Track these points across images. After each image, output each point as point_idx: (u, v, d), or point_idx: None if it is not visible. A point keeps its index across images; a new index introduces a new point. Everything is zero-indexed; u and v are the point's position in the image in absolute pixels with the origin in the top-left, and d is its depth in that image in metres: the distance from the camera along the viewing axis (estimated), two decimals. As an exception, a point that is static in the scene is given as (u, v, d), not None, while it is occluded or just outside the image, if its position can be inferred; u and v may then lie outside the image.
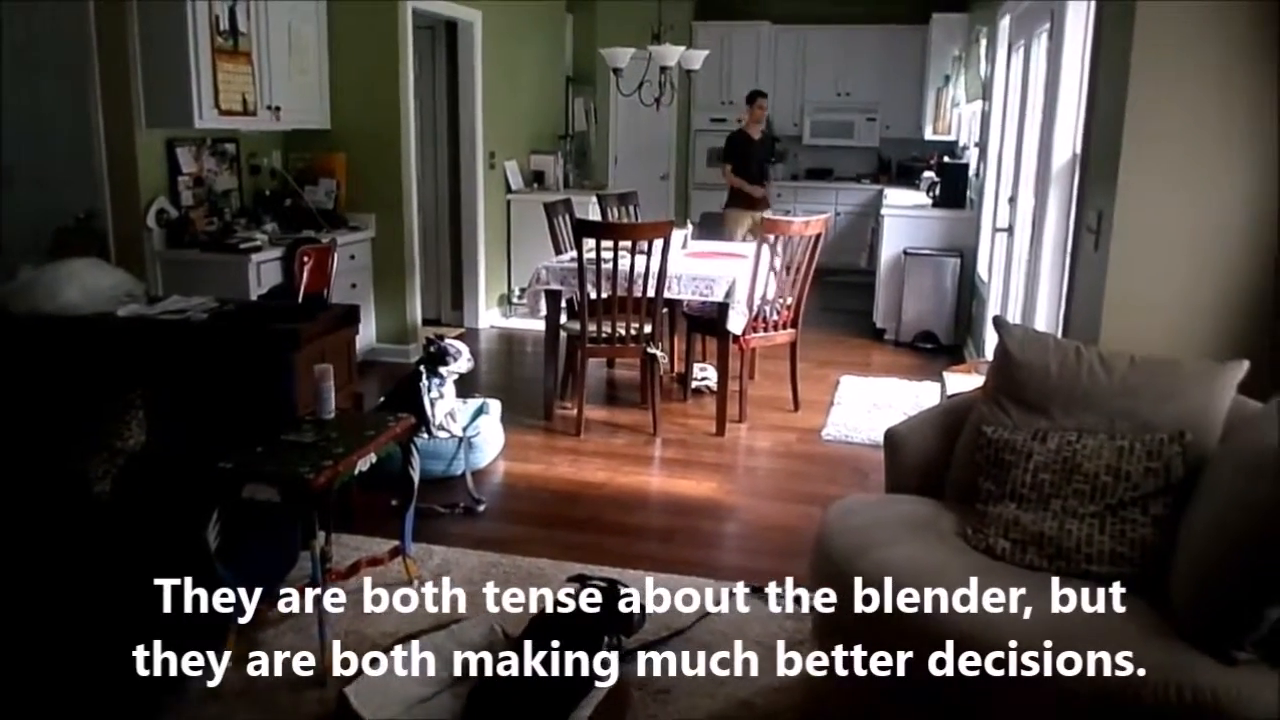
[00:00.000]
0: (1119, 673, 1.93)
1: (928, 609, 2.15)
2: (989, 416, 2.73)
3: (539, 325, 7.13)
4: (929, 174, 8.22)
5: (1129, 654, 1.96)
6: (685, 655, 2.90)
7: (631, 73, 5.77)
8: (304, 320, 3.54)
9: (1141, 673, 1.93)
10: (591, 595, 2.68)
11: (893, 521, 2.55)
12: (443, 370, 4.42)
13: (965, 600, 2.15)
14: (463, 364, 4.44)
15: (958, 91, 7.62)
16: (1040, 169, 4.14)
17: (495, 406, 4.68)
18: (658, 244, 4.57)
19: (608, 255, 4.58)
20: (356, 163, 5.98)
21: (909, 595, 2.19)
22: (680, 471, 4.47)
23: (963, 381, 3.98)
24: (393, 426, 3.08)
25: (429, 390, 4.39)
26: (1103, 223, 3.02)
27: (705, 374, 5.71)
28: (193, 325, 3.39)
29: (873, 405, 5.46)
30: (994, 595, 2.17)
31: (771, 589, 3.27)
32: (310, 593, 2.82)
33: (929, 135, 9.00)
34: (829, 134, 10.03)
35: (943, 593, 2.18)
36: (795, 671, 2.82)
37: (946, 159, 7.69)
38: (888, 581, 2.23)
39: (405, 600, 3.14)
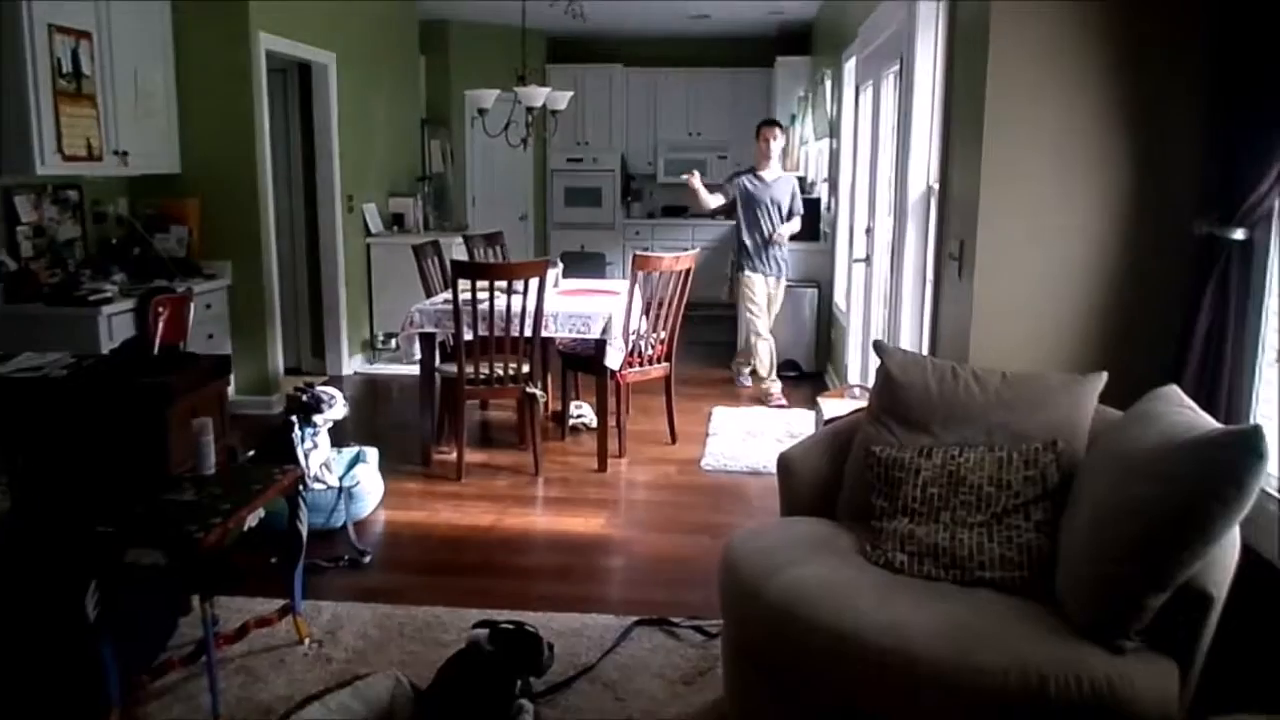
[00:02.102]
0: (1023, 672, 2.04)
1: (840, 625, 2.22)
2: (875, 436, 2.85)
3: (406, 370, 7.05)
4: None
5: (1030, 653, 2.08)
6: (593, 693, 2.90)
7: (495, 114, 5.79)
8: (173, 373, 3.37)
9: (1043, 669, 2.05)
10: (499, 639, 2.63)
11: (795, 543, 2.62)
12: (316, 419, 4.28)
13: (873, 613, 2.24)
14: (338, 410, 4.30)
15: (805, 130, 7.96)
16: (897, 202, 4.37)
17: (372, 454, 4.56)
18: (534, 283, 4.58)
19: (483, 296, 4.55)
20: (210, 208, 5.74)
21: (820, 612, 2.26)
22: (566, 510, 4.46)
23: (837, 406, 4.14)
24: (279, 479, 2.96)
25: (302, 441, 4.23)
26: (964, 251, 3.22)
27: (581, 411, 5.73)
28: (52, 383, 3.17)
29: (746, 434, 5.59)
30: (899, 607, 2.27)
31: (677, 620, 3.29)
32: (198, 661, 2.68)
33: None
34: (682, 172, 10.24)
35: (852, 607, 2.26)
36: (707, 698, 2.87)
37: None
38: (798, 602, 2.30)
39: (299, 661, 3.04)
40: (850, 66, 6.30)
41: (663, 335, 5.24)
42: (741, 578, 2.49)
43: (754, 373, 6.49)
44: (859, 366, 5.56)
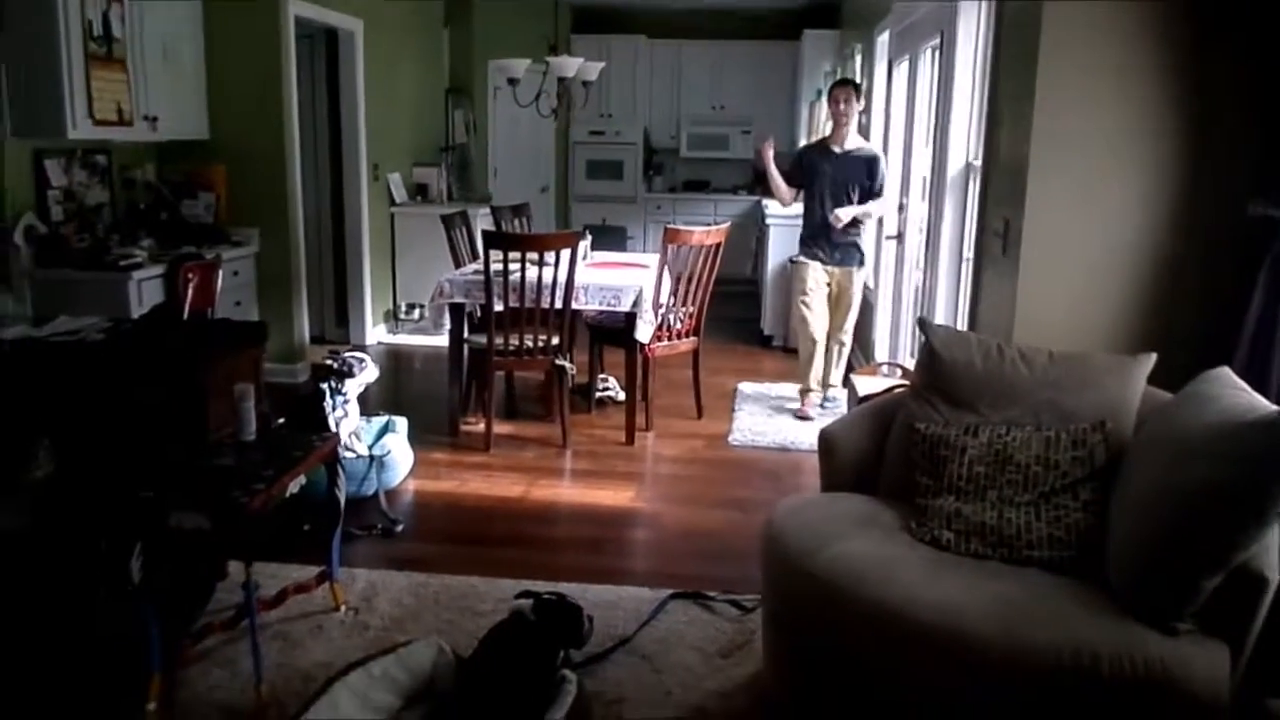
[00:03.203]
0: (1076, 652, 2.03)
1: (889, 600, 2.21)
2: (920, 414, 2.82)
3: (429, 340, 7.08)
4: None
5: (1082, 633, 2.07)
6: (631, 664, 2.91)
7: (524, 84, 5.73)
8: (209, 338, 3.36)
9: (1096, 649, 2.03)
10: (542, 610, 2.63)
11: (839, 518, 2.60)
12: (347, 386, 4.27)
13: (923, 590, 2.23)
14: (369, 373, 4.30)
15: (833, 105, 7.86)
16: (935, 179, 4.33)
17: (402, 424, 4.55)
18: (565, 254, 4.56)
19: (514, 267, 4.53)
20: (237, 175, 5.72)
21: (869, 587, 2.25)
22: (595, 482, 4.46)
23: (871, 383, 4.11)
24: (319, 446, 2.96)
25: (333, 409, 4.23)
26: (1009, 229, 3.18)
27: (607, 385, 5.72)
28: (90, 347, 3.16)
29: (771, 409, 5.57)
30: (948, 585, 2.25)
31: (712, 594, 3.29)
32: (238, 626, 2.68)
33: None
34: (705, 146, 10.21)
35: (901, 583, 2.25)
36: (745, 671, 2.87)
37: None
38: (847, 577, 2.29)
39: (336, 627, 3.05)
40: (883, 41, 6.21)
41: (691, 309, 5.21)
42: (787, 551, 2.48)
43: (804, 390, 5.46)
44: (888, 344, 5.53)
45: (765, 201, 8.83)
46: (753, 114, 10.06)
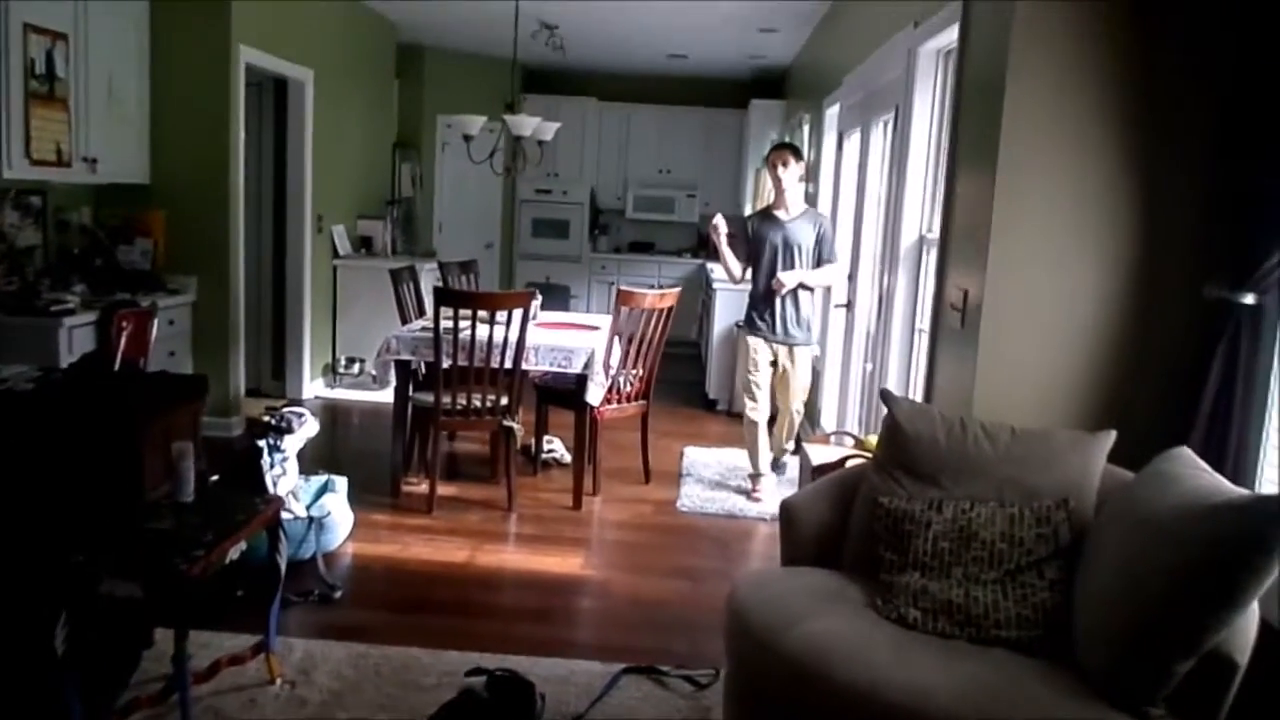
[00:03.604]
0: (1051, 737, 1.99)
1: (858, 681, 2.15)
2: (882, 487, 2.80)
3: (368, 396, 6.92)
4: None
5: (1057, 716, 2.03)
6: (584, 743, 2.79)
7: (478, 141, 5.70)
8: (146, 391, 3.21)
9: (1071, 736, 2.00)
10: (495, 688, 2.51)
11: (804, 594, 2.55)
12: (285, 443, 4.12)
13: (892, 671, 2.17)
14: (309, 427, 4.15)
15: (780, 173, 7.97)
16: (888, 250, 4.37)
17: (341, 483, 4.39)
18: (517, 314, 4.49)
19: (464, 325, 4.45)
20: (177, 221, 5.56)
21: (838, 668, 2.19)
22: (542, 548, 4.34)
23: (824, 452, 4.08)
24: (263, 510, 2.82)
25: (271, 466, 4.07)
26: (968, 301, 3.21)
27: (552, 446, 5.62)
28: (18, 397, 2.99)
29: (721, 475, 5.53)
30: (918, 666, 2.20)
31: (665, 669, 3.19)
32: (167, 700, 2.51)
33: (748, 213, 9.36)
34: (651, 209, 10.29)
35: (870, 664, 2.20)
36: (702, 754, 2.77)
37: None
38: (817, 657, 2.23)
39: (272, 702, 2.88)
40: (833, 113, 6.34)
41: (641, 372, 5.16)
42: (753, 629, 2.41)
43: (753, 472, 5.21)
44: (835, 413, 5.54)
45: (710, 266, 8.90)
46: (699, 179, 10.18)
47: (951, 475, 2.74)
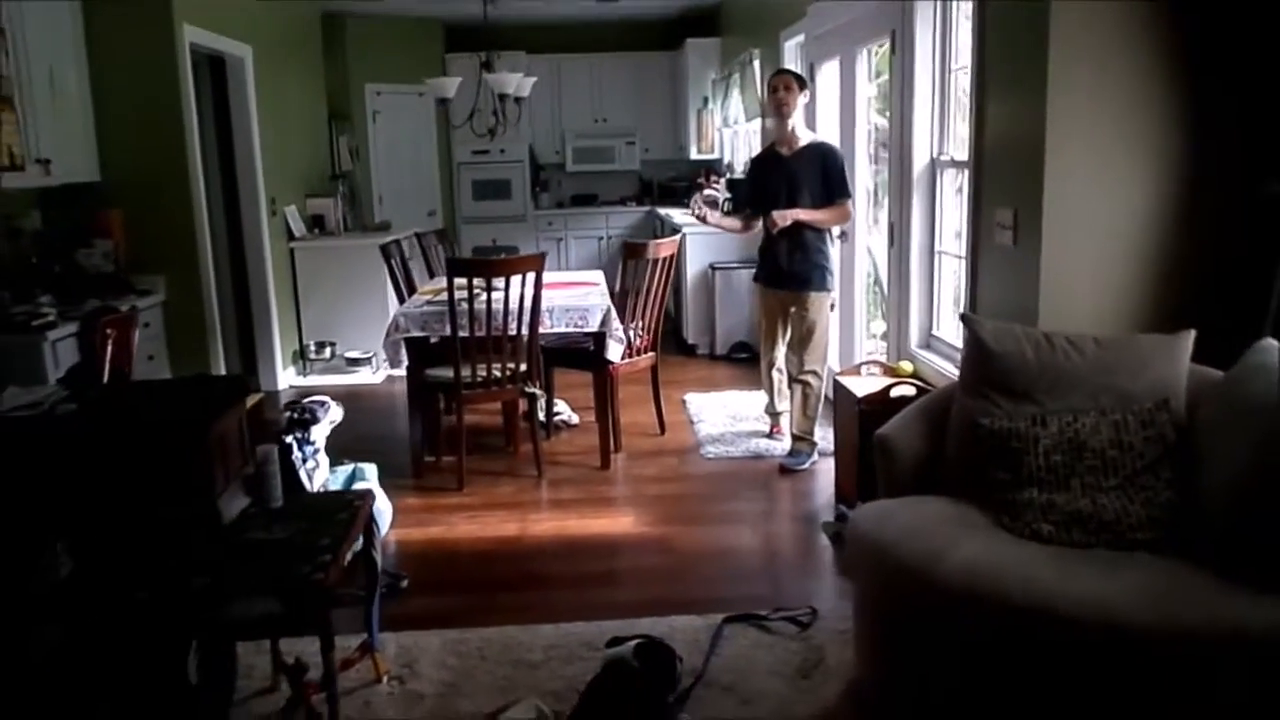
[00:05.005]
0: (1229, 631, 2.05)
1: (1035, 600, 2.18)
2: (978, 408, 2.82)
3: (343, 379, 6.72)
4: (709, 191, 8.47)
5: (1225, 611, 2.09)
6: (714, 699, 2.78)
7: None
8: (196, 400, 3.02)
9: (1245, 625, 2.05)
10: (643, 655, 2.48)
11: (937, 522, 2.56)
12: (314, 433, 3.96)
13: (1063, 585, 2.21)
14: (334, 412, 3.99)
15: (731, 112, 7.93)
16: (897, 177, 4.37)
17: (371, 470, 4.24)
18: (530, 278, 4.38)
19: (479, 294, 4.32)
20: (136, 218, 5.24)
21: (1011, 590, 2.21)
22: (588, 511, 4.29)
23: (863, 384, 4.10)
24: (359, 504, 2.71)
25: (304, 460, 3.91)
26: (1020, 219, 3.24)
27: (559, 409, 5.54)
28: (64, 422, 2.79)
29: (731, 419, 5.53)
30: (1083, 578, 2.24)
31: (765, 614, 3.19)
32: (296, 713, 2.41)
33: (694, 155, 9.32)
34: (591, 160, 10.12)
35: (1037, 582, 2.23)
36: (832, 690, 2.79)
37: (730, 176, 7.98)
38: (987, 580, 2.25)
39: (386, 700, 2.79)
40: (791, 46, 6.29)
41: (649, 324, 5.10)
42: (904, 561, 2.42)
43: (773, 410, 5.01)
44: (836, 348, 5.57)
45: (665, 211, 8.83)
46: (636, 125, 10.03)
47: (1046, 390, 2.78)
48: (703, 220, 4.78)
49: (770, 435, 5.13)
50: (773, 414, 5.09)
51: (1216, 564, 2.29)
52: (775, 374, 4.90)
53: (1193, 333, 2.78)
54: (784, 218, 4.47)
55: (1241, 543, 2.28)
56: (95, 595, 2.27)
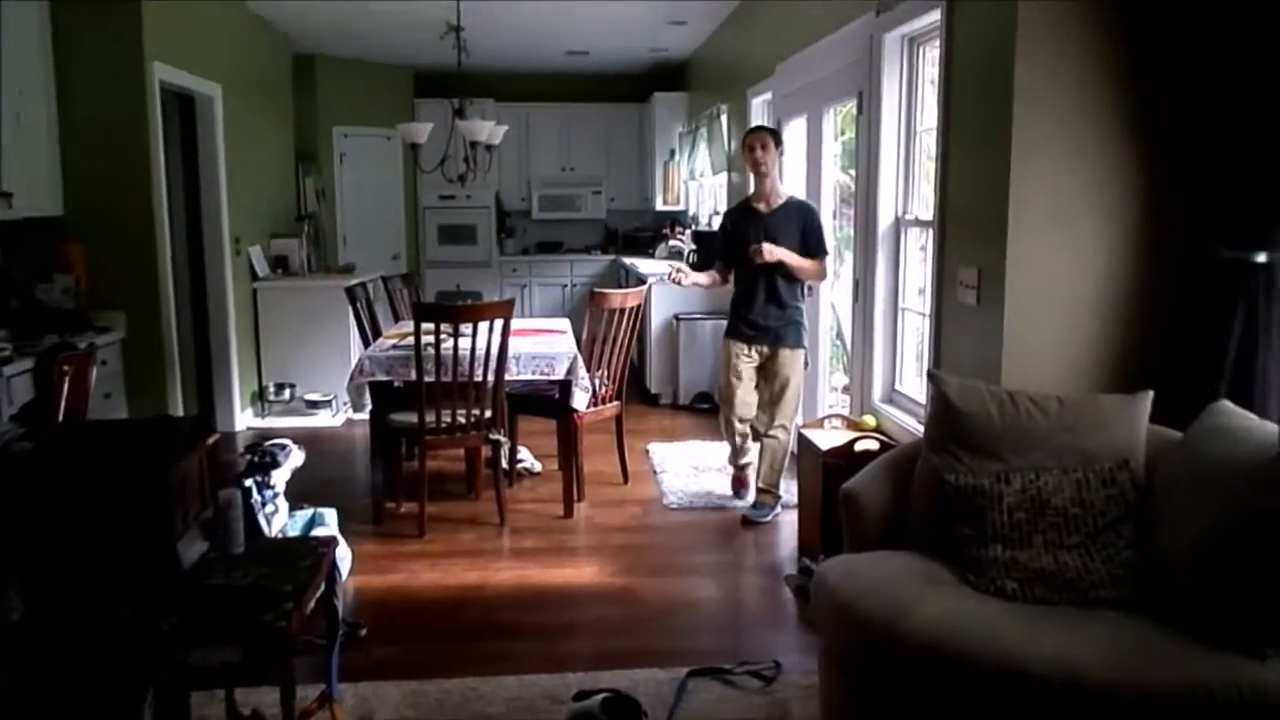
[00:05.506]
0: (1192, 689, 2.08)
1: (1003, 658, 2.19)
2: (943, 465, 2.85)
3: (302, 422, 6.64)
4: (675, 242, 8.59)
5: (1191, 669, 2.12)
6: (679, 753, 2.76)
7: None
8: (158, 440, 2.97)
9: (1209, 683, 2.08)
10: (610, 709, 2.45)
11: (901, 578, 2.58)
12: (274, 477, 3.90)
13: (1029, 644, 2.22)
14: (295, 457, 3.94)
15: (697, 164, 8.05)
16: (864, 234, 4.45)
17: (330, 515, 4.18)
18: (498, 324, 4.38)
19: (445, 339, 4.31)
20: (98, 254, 5.16)
21: (975, 647, 2.23)
22: (550, 560, 4.25)
23: (827, 437, 4.14)
24: (323, 550, 2.66)
25: (263, 504, 3.85)
26: (983, 278, 3.31)
27: (521, 456, 5.51)
28: (23, 459, 2.72)
29: (693, 469, 5.54)
30: (1049, 636, 2.26)
31: (729, 667, 3.18)
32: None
33: (660, 206, 9.42)
34: (556, 208, 10.20)
35: (1003, 640, 2.24)
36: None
37: (695, 228, 8.08)
38: (951, 640, 2.26)
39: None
40: (760, 102, 6.41)
41: (614, 373, 5.11)
42: (867, 619, 2.42)
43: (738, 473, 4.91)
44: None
45: (630, 261, 8.89)
46: (602, 174, 10.15)
47: (1010, 447, 2.82)
48: (678, 284, 4.72)
49: (735, 494, 4.97)
50: (738, 465, 4.95)
51: (1179, 622, 2.32)
52: (738, 427, 4.74)
53: (1150, 393, 2.85)
54: (771, 252, 4.41)
55: (1203, 601, 2.32)
56: (48, 640, 2.21)
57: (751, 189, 4.76)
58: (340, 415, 6.78)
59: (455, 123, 4.94)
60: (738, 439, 4.80)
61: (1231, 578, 2.26)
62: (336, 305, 6.23)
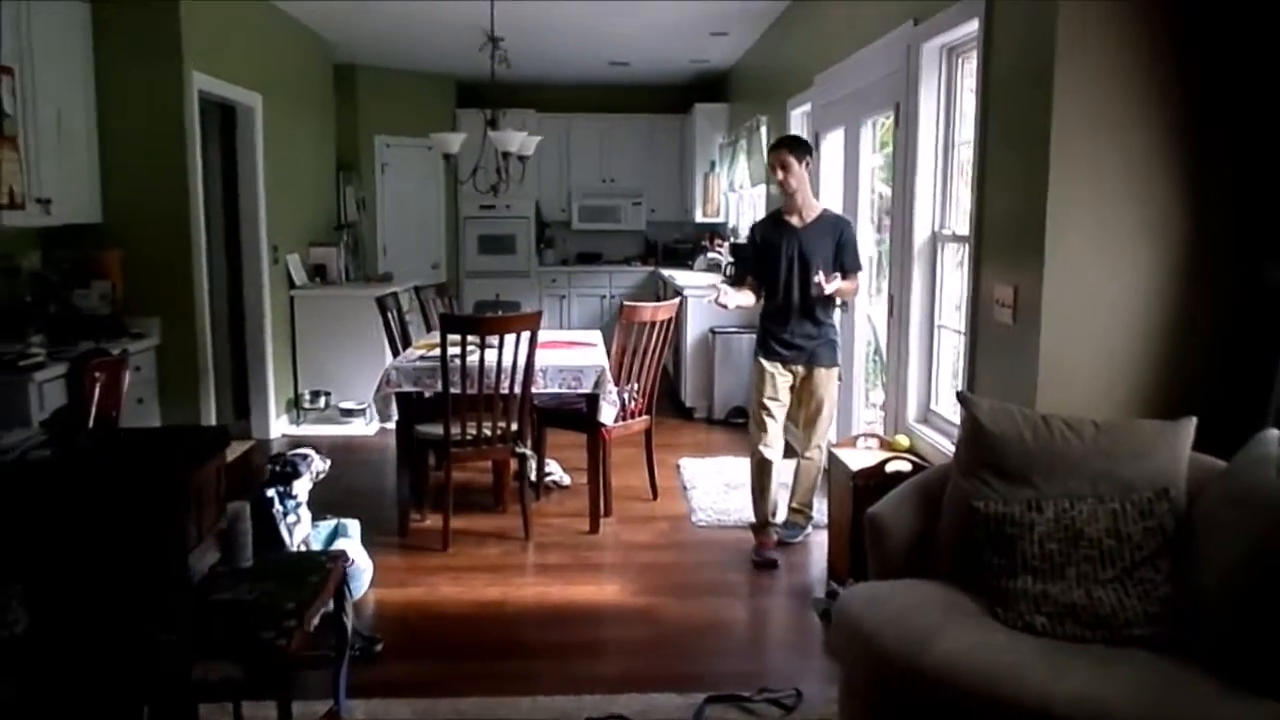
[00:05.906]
0: (1229, 736, 1.96)
1: (1025, 697, 2.09)
2: (973, 491, 2.74)
3: (336, 430, 6.66)
4: (713, 255, 8.51)
5: (1225, 716, 2.00)
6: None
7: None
8: (176, 449, 2.96)
9: (1248, 733, 1.96)
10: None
11: (926, 609, 2.48)
12: (296, 488, 3.89)
13: (1054, 683, 2.11)
14: (317, 464, 3.92)
15: (737, 175, 7.96)
16: (900, 249, 4.34)
17: (354, 526, 4.16)
18: (525, 337, 4.33)
19: (473, 351, 4.28)
20: (136, 261, 5.22)
21: (999, 685, 2.12)
22: (574, 577, 4.19)
23: (858, 457, 4.03)
24: (331, 566, 2.63)
25: (284, 514, 3.83)
26: (1020, 298, 3.19)
27: (550, 470, 5.46)
28: (37, 467, 2.72)
29: (725, 485, 5.45)
30: (1077, 675, 2.15)
31: (748, 694, 3.09)
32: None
33: (699, 218, 9.36)
34: (596, 219, 10.17)
35: (1028, 678, 2.14)
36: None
37: (733, 240, 7.99)
38: (975, 675, 2.16)
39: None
40: (800, 114, 6.32)
41: (644, 387, 5.05)
42: (887, 650, 2.33)
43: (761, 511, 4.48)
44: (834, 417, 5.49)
45: (668, 273, 8.83)
46: (643, 186, 10.11)
47: (1043, 473, 2.70)
48: (724, 307, 4.40)
49: (756, 552, 4.37)
50: (757, 526, 4.48)
51: (1215, 665, 2.20)
52: (769, 462, 4.38)
53: (1194, 420, 2.71)
54: (833, 286, 4.18)
55: (1240, 643, 2.19)
56: (52, 651, 2.19)
57: (784, 204, 4.52)
58: (373, 424, 6.78)
59: (487, 133, 4.91)
60: (767, 479, 4.40)
61: (1267, 619, 2.13)
62: (372, 314, 6.20)
